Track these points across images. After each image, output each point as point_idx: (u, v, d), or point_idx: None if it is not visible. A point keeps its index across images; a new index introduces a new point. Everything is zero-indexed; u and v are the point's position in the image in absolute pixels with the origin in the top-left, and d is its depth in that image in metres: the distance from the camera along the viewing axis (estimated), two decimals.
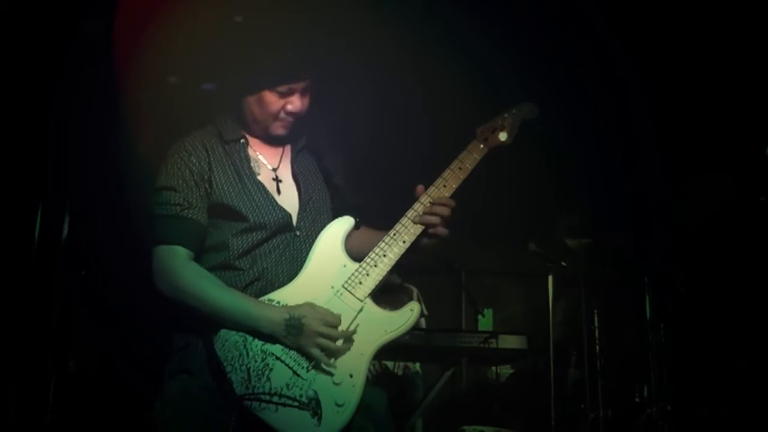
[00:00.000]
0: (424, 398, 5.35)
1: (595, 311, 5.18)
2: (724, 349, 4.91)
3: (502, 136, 2.66)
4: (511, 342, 4.97)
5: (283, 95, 2.49)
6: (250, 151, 2.57)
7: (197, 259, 2.41)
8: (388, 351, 4.91)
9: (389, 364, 5.67)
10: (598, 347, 5.13)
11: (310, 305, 2.30)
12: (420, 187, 2.53)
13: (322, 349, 2.25)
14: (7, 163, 3.48)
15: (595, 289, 5.27)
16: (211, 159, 2.49)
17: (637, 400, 5.17)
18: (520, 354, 5.04)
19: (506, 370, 6.32)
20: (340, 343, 2.27)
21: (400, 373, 5.69)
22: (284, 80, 2.47)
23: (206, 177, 2.45)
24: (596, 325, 5.16)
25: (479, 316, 6.27)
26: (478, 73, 4.41)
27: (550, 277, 4.75)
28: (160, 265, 2.35)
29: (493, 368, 6.31)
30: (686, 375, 4.90)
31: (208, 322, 2.29)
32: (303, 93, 2.52)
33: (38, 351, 3.40)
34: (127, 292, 3.61)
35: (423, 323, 5.49)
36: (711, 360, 4.96)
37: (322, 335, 2.24)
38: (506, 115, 2.72)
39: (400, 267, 5.67)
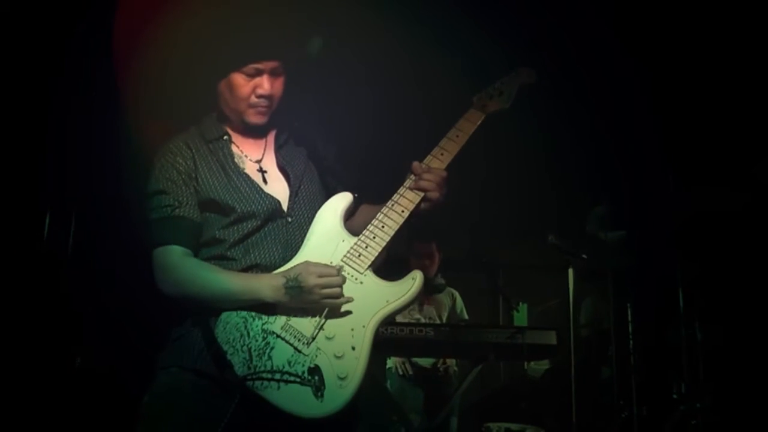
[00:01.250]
0: (452, 395, 5.30)
1: (628, 305, 5.04)
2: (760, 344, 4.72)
3: (500, 101, 2.65)
4: (538, 337, 4.87)
5: (251, 77, 2.47)
6: (234, 147, 2.57)
7: (194, 255, 2.41)
8: (416, 348, 4.98)
9: (423, 361, 5.63)
10: (631, 343, 4.99)
11: (303, 263, 2.29)
12: (415, 163, 2.50)
13: (330, 297, 2.23)
14: (11, 164, 3.54)
15: (628, 282, 5.13)
16: (196, 157, 2.50)
17: (675, 396, 5.01)
18: (549, 349, 4.94)
19: (544, 366, 6.22)
20: (344, 284, 2.26)
21: (441, 371, 5.64)
22: (247, 59, 2.45)
23: (193, 175, 2.46)
24: (630, 319, 5.02)
25: (513, 312, 6.20)
26: (476, 58, 4.33)
27: (570, 270, 4.62)
28: (159, 266, 2.37)
29: (527, 364, 6.23)
30: (723, 371, 4.72)
31: (209, 309, 2.28)
32: (273, 75, 2.49)
33: (46, 348, 3.49)
34: (131, 292, 3.65)
35: None
36: (748, 355, 4.78)
37: (322, 285, 2.23)
38: (501, 81, 2.70)
39: (441, 269, 5.67)
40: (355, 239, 2.39)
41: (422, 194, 2.44)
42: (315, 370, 2.17)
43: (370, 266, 2.35)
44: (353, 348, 2.21)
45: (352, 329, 2.24)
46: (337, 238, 2.41)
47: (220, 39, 2.49)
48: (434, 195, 2.44)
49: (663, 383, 5.00)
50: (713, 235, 4.79)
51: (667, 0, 4.29)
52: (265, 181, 2.52)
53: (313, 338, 2.22)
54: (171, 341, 2.37)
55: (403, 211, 2.42)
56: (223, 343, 2.20)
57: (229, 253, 2.39)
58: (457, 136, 2.55)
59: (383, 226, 2.39)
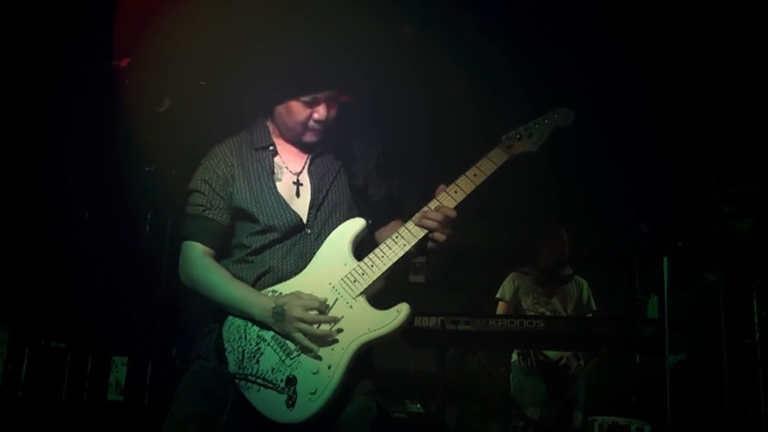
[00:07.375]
0: (567, 388, 5.24)
1: (754, 295, 4.74)
2: None
3: (528, 144, 2.63)
4: (650, 330, 4.71)
5: (309, 104, 2.61)
6: (276, 159, 2.74)
7: (225, 254, 2.67)
8: (528, 340, 4.97)
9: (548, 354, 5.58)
10: (758, 335, 4.70)
11: (295, 294, 2.48)
12: (441, 187, 2.58)
13: (303, 333, 2.42)
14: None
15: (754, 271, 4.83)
16: (237, 165, 2.70)
17: None
18: (663, 342, 4.75)
19: (678, 358, 5.94)
20: (321, 327, 2.42)
21: (563, 364, 5.55)
22: (306, 90, 2.60)
23: (230, 182, 2.68)
24: (755, 309, 4.73)
25: (646, 303, 5.97)
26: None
27: (665, 259, 4.41)
28: (182, 257, 2.65)
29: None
30: None
31: (224, 310, 2.56)
32: (329, 102, 2.63)
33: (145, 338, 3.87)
34: None
35: None
36: None
37: (302, 320, 2.41)
38: (536, 121, 2.68)
39: (572, 259, 5.62)
40: (356, 264, 2.52)
41: (426, 231, 2.52)
42: (292, 381, 2.40)
43: (363, 292, 2.49)
44: (329, 367, 2.40)
45: (332, 349, 2.42)
46: (341, 261, 2.55)
47: (278, 70, 2.63)
48: (439, 237, 2.53)
49: None
50: None
51: None
52: (297, 194, 2.68)
53: (297, 352, 2.43)
54: (201, 336, 2.64)
55: (404, 245, 2.52)
56: (225, 341, 2.51)
57: (249, 258, 2.62)
58: (475, 175, 2.57)
59: (383, 256, 2.52)
